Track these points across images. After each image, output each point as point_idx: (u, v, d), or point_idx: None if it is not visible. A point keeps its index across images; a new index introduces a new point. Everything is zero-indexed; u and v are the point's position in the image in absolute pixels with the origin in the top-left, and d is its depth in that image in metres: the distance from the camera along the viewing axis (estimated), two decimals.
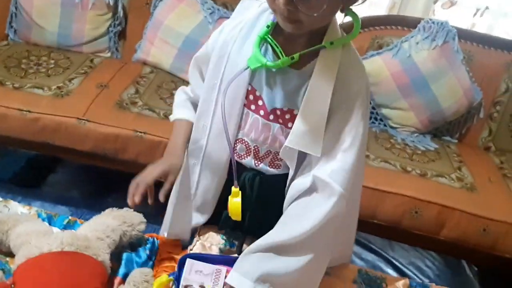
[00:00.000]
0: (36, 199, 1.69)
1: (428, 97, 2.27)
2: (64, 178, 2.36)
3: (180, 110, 1.18)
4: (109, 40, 2.48)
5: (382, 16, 2.51)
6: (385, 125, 2.39)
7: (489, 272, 1.95)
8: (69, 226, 1.19)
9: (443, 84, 2.27)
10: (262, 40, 0.98)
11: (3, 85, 2.09)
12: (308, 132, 0.97)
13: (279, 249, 0.98)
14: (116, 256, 1.10)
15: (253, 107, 1.05)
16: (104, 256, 1.03)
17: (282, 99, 1.01)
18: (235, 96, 1.03)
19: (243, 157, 1.10)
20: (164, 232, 1.26)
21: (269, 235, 1.01)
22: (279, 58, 0.96)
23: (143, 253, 1.15)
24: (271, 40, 0.97)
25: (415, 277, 1.88)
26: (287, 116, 1.03)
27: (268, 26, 0.98)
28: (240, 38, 1.02)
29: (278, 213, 1.05)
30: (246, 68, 0.98)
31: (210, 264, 1.08)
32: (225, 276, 1.04)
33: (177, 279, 1.05)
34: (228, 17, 2.28)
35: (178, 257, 1.12)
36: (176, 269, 1.09)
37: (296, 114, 1.00)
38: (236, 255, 1.12)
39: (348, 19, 0.95)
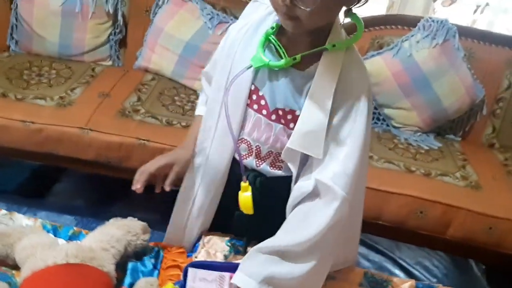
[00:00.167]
0: (41, 209, 1.69)
1: (430, 96, 2.27)
2: (69, 188, 2.37)
3: (200, 107, 1.22)
4: (110, 48, 2.49)
5: (382, 16, 2.51)
6: (387, 125, 2.38)
7: (496, 270, 1.94)
8: (74, 237, 1.19)
9: (445, 82, 2.26)
10: (266, 40, 1.00)
11: (5, 97, 2.10)
12: (309, 134, 0.98)
13: (284, 254, 0.99)
14: (121, 266, 1.10)
15: (255, 106, 1.05)
16: (109, 267, 1.03)
17: (284, 99, 1.02)
18: (239, 95, 1.04)
19: (245, 157, 1.11)
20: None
21: (273, 239, 1.01)
22: (282, 58, 0.97)
23: (148, 262, 1.15)
24: (275, 41, 0.98)
25: (423, 277, 1.87)
26: (289, 117, 1.03)
27: (273, 27, 1.00)
28: (246, 39, 1.03)
29: (280, 215, 1.06)
30: (249, 67, 0.99)
31: (213, 271, 1.08)
32: (229, 283, 1.04)
33: (183, 287, 1.05)
34: (227, 22, 2.35)
35: (183, 265, 1.12)
36: (181, 277, 1.09)
37: (298, 115, 1.00)
38: (239, 261, 1.12)
39: (349, 19, 0.96)
